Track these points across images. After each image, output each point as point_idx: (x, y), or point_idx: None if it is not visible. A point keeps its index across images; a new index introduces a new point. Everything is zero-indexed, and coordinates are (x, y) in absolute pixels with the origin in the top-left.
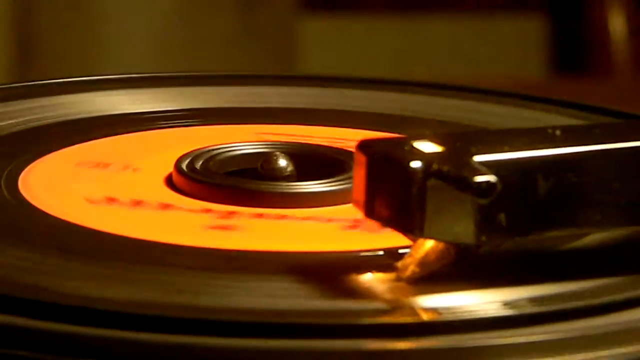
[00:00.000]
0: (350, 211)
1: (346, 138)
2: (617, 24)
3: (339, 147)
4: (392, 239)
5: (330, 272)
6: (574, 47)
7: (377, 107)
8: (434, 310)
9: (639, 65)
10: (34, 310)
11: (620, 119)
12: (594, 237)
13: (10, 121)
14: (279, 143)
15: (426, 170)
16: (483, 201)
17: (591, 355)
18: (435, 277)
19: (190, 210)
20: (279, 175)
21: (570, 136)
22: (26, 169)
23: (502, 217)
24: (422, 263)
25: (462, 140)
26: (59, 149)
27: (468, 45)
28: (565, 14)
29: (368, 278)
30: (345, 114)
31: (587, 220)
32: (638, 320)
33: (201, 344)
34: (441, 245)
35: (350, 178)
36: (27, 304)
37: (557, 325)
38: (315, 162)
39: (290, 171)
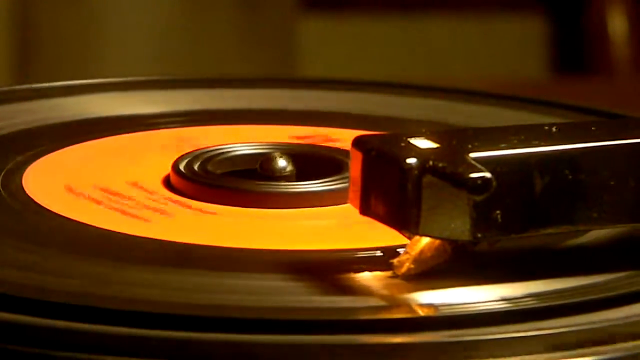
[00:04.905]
0: (348, 210)
1: (345, 138)
2: (617, 24)
3: (338, 147)
4: (389, 236)
5: (327, 269)
6: (574, 47)
7: (377, 109)
8: (429, 306)
9: (639, 65)
10: (37, 308)
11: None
12: (590, 234)
13: (12, 121)
14: (278, 143)
15: (422, 166)
16: (478, 198)
17: (588, 350)
18: (431, 273)
19: (190, 211)
20: (278, 176)
21: (567, 133)
22: (28, 168)
23: (497, 214)
24: (418, 260)
25: (457, 137)
26: (60, 148)
27: (468, 45)
28: (565, 14)
29: (365, 275)
30: (344, 115)
31: (583, 217)
32: (635, 315)
33: (204, 339)
34: (437, 242)
35: (348, 178)
36: (29, 303)
37: (552, 321)
38: (314, 162)
39: (290, 171)
